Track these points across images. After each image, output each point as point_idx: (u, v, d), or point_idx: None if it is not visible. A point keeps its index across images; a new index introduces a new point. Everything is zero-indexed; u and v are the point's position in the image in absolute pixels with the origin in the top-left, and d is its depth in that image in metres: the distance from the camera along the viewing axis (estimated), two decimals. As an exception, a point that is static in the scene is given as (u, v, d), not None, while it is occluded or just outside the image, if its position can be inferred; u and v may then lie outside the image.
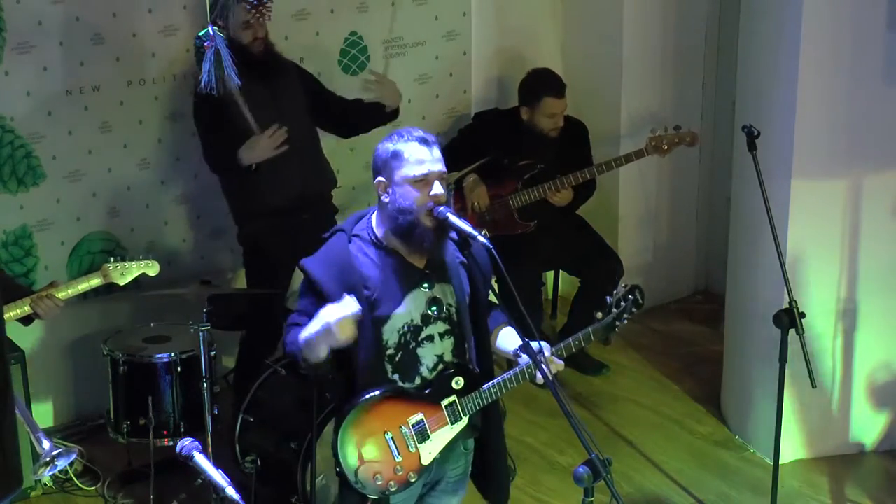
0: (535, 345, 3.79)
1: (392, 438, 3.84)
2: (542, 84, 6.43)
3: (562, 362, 3.96)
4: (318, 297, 3.78)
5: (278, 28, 6.20)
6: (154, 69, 6.03)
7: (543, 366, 3.68)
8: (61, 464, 4.14)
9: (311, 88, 5.94)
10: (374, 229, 3.87)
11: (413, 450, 3.85)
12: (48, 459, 3.95)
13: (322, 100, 5.96)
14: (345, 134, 6.16)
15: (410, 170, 3.76)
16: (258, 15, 5.45)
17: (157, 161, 6.16)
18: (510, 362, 4.00)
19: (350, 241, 3.86)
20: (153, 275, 5.26)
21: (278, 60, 5.78)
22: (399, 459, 3.84)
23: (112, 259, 5.15)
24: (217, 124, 5.57)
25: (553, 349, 3.94)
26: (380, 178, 3.82)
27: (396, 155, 3.79)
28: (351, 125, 6.08)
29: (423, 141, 3.80)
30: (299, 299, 3.92)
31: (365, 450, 3.83)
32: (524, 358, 3.86)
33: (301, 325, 3.77)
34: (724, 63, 7.19)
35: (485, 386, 3.89)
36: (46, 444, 3.79)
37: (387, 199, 3.80)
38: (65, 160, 5.89)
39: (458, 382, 3.88)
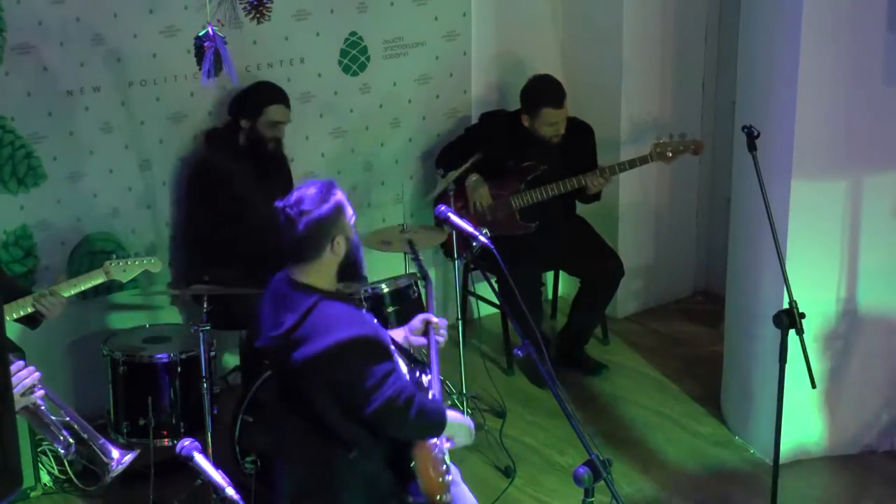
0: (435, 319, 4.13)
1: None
2: (541, 95, 6.42)
3: None
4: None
5: (278, 29, 6.21)
6: (155, 70, 6.03)
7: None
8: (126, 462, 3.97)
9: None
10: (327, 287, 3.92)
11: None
12: (121, 468, 3.79)
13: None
14: None
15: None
16: (258, 15, 5.45)
17: (159, 162, 6.16)
18: None
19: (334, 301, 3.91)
20: (156, 272, 5.29)
21: (279, 157, 6.10)
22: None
23: (115, 256, 5.16)
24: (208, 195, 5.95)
25: None
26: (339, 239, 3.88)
27: (341, 209, 3.89)
28: None
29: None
30: (391, 374, 3.86)
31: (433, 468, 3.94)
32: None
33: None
34: (724, 64, 7.20)
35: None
36: (116, 453, 3.69)
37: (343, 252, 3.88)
38: (65, 161, 5.89)
39: None
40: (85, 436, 3.45)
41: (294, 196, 3.88)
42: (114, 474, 3.64)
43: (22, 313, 4.94)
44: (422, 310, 5.03)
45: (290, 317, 3.81)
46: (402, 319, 4.85)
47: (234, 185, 5.94)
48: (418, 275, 4.91)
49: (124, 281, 5.22)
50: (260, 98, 5.97)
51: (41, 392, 3.44)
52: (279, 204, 3.87)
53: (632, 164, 6.33)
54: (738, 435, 5.97)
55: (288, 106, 6.04)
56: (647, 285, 7.50)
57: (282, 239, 3.88)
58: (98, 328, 6.08)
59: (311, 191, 3.87)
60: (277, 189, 6.04)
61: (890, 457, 5.75)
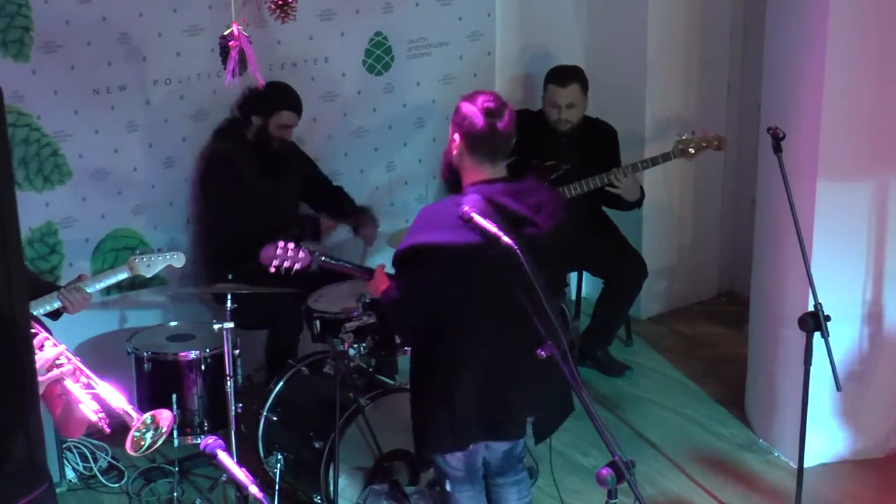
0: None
1: None
2: (550, 73, 6.50)
3: None
4: None
5: (303, 28, 6.22)
6: (179, 68, 6.05)
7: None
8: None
9: (308, 173, 6.33)
10: None
11: None
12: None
13: (315, 183, 6.38)
14: (333, 213, 6.37)
15: None
16: (283, 14, 5.46)
17: (182, 160, 6.18)
18: None
19: None
20: (179, 266, 5.30)
21: (287, 149, 6.14)
22: None
23: (138, 252, 5.18)
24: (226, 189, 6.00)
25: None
26: None
27: None
28: (337, 206, 6.38)
29: None
30: None
31: None
32: None
33: None
34: (749, 64, 7.17)
35: None
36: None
37: None
38: (91, 158, 5.92)
39: None
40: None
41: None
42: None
43: (49, 308, 4.96)
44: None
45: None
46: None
47: (243, 178, 5.98)
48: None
49: (148, 276, 5.23)
50: (275, 99, 5.99)
51: (69, 367, 3.39)
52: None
53: (654, 161, 6.31)
54: (762, 437, 5.95)
55: (300, 113, 6.09)
56: (670, 286, 7.49)
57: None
58: (122, 325, 6.11)
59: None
60: (285, 184, 6.12)
61: (916, 461, 5.74)
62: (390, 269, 4.30)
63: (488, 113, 4.07)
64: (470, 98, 4.15)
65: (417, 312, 4.12)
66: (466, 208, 3.81)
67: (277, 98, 6.00)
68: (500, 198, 4.04)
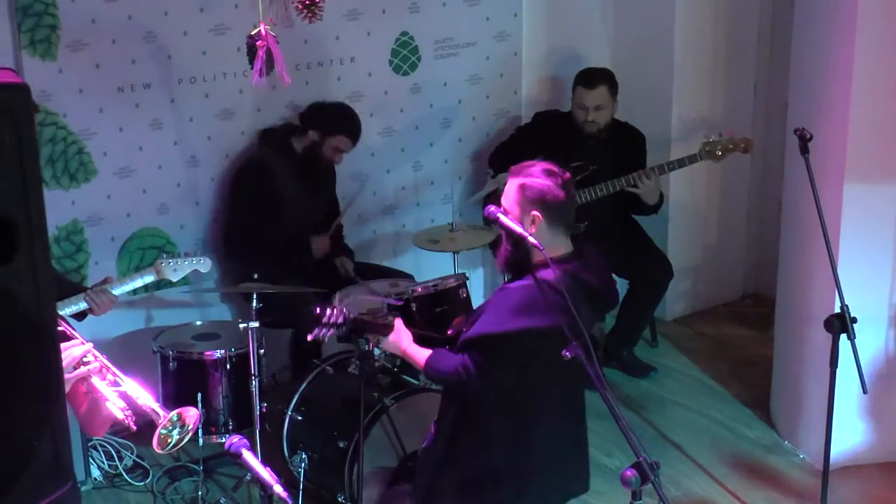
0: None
1: None
2: (578, 76, 6.51)
3: None
4: None
5: (330, 28, 6.22)
6: (204, 67, 6.07)
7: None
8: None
9: (331, 190, 6.40)
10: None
11: None
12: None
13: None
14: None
15: None
16: (310, 14, 5.47)
17: (207, 158, 6.19)
18: None
19: None
20: (205, 271, 5.30)
21: (329, 172, 6.23)
22: None
23: (164, 255, 5.20)
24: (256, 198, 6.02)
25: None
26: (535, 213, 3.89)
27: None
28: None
29: None
30: None
31: None
32: None
33: None
34: (776, 65, 7.14)
35: None
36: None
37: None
38: (116, 157, 5.93)
39: None
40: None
41: None
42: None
43: (75, 309, 4.97)
44: (470, 310, 5.02)
45: None
46: (450, 320, 4.84)
47: (278, 188, 6.00)
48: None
49: (174, 280, 5.24)
50: (340, 122, 6.08)
51: (96, 364, 3.39)
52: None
53: (681, 163, 6.28)
54: (788, 439, 5.92)
55: (356, 142, 6.16)
56: (695, 287, 7.47)
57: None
58: (147, 324, 6.13)
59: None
60: (321, 200, 6.14)
61: (942, 464, 5.70)
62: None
63: (563, 184, 3.94)
64: (528, 172, 3.97)
65: (488, 390, 3.98)
66: (493, 208, 3.82)
67: (344, 121, 6.07)
68: (582, 273, 3.95)
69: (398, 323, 4.27)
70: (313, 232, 6.14)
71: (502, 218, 3.81)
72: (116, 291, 5.05)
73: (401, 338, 4.22)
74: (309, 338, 4.32)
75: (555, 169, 3.97)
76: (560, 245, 3.95)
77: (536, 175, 3.94)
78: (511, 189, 3.97)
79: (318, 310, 4.26)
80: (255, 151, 6.18)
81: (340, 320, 4.26)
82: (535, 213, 3.89)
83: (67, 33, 5.65)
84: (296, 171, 6.06)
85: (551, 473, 4.12)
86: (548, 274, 3.77)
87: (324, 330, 4.27)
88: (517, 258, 3.96)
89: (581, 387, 4.08)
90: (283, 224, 5.97)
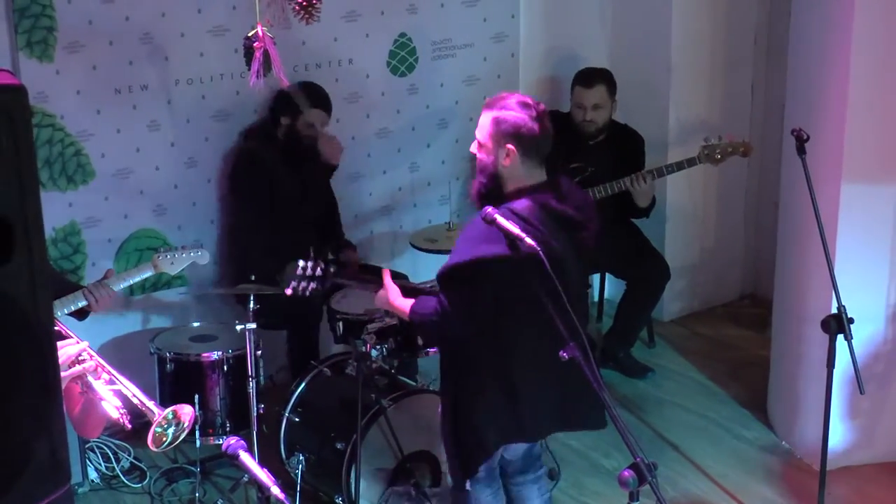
0: None
1: None
2: (577, 75, 6.53)
3: None
4: None
5: (327, 30, 6.22)
6: (202, 69, 6.06)
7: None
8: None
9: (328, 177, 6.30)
10: None
11: None
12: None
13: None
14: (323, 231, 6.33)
15: None
16: (307, 15, 5.47)
17: (204, 160, 6.19)
18: None
19: None
20: (203, 263, 5.30)
21: (315, 151, 6.08)
22: None
23: (161, 249, 5.18)
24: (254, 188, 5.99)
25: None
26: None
27: None
28: (330, 226, 6.38)
29: None
30: None
31: None
32: None
33: None
34: (773, 66, 7.15)
35: None
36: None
37: None
38: (113, 158, 5.93)
39: None
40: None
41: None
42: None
43: (73, 308, 4.96)
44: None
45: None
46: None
47: (271, 178, 5.97)
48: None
49: (172, 274, 5.23)
50: (303, 98, 5.98)
51: (91, 363, 3.39)
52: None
53: (679, 165, 6.28)
54: (785, 440, 5.93)
55: (329, 112, 6.07)
56: (693, 288, 7.47)
57: None
58: (144, 326, 6.12)
59: None
60: (317, 194, 6.12)
61: (939, 464, 5.71)
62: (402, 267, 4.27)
63: (538, 116, 3.99)
64: (502, 105, 4.01)
65: (466, 327, 4.02)
66: (490, 209, 3.81)
67: (308, 98, 5.99)
68: (553, 202, 3.99)
69: (386, 277, 4.31)
70: (313, 228, 6.11)
71: (499, 219, 3.80)
72: (115, 287, 5.04)
73: (389, 292, 4.24)
74: (287, 291, 4.32)
75: (529, 101, 4.03)
76: (534, 175, 4.04)
77: (511, 108, 4.00)
78: (485, 122, 4.03)
79: (300, 264, 4.28)
80: (240, 147, 6.18)
81: (318, 272, 4.26)
82: (509, 146, 3.98)
83: (64, 35, 5.64)
84: (282, 158, 6.00)
85: (549, 401, 4.16)
86: (518, 204, 3.89)
87: (302, 283, 4.28)
88: (489, 190, 4.06)
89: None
90: (282, 220, 5.94)
